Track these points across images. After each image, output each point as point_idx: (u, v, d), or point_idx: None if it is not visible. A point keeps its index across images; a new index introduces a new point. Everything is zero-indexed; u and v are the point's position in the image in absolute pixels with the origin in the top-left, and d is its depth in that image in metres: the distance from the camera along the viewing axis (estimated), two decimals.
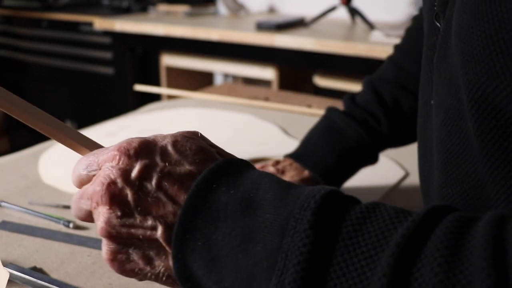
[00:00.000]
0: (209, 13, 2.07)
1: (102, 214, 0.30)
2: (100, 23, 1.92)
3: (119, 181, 0.30)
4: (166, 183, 0.30)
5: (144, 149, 0.31)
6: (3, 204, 0.58)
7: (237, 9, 2.03)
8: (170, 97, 1.26)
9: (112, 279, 0.45)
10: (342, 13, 1.81)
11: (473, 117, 0.28)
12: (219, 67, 1.82)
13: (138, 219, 0.30)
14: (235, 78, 2.21)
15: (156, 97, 1.67)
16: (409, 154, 0.76)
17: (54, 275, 0.46)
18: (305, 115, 0.95)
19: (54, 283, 0.44)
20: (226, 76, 2.25)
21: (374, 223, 0.25)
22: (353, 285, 0.23)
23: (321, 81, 1.55)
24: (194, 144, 0.32)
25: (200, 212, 0.28)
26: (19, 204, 0.58)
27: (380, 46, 1.36)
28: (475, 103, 0.28)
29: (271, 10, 2.17)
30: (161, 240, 0.29)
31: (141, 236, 0.30)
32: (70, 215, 0.57)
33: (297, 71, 1.79)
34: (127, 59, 1.99)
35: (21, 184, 0.64)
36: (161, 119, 0.91)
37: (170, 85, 1.90)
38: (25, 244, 0.51)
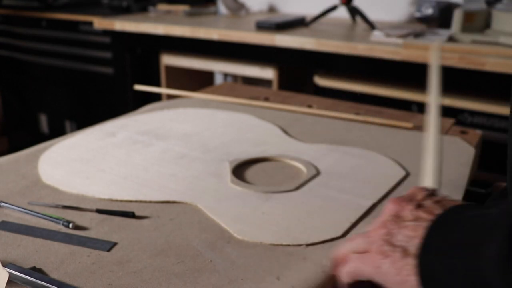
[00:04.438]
0: (209, 13, 2.07)
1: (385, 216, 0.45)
2: (100, 23, 1.92)
3: (403, 202, 0.45)
4: (435, 205, 0.43)
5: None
6: (2, 204, 0.58)
7: (237, 9, 2.03)
8: (170, 97, 1.26)
9: (112, 279, 0.45)
10: (342, 13, 1.81)
11: None
12: (219, 67, 1.82)
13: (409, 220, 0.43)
14: (235, 78, 2.21)
15: (156, 97, 1.67)
16: (409, 154, 0.76)
17: (54, 275, 0.46)
18: (305, 115, 0.95)
19: (53, 283, 0.44)
20: (226, 76, 2.25)
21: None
22: None
23: (321, 81, 1.55)
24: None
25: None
26: (19, 204, 0.58)
27: (380, 46, 1.36)
28: None
29: (271, 9, 2.17)
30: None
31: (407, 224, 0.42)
32: (70, 215, 0.56)
33: (297, 71, 1.79)
34: (127, 59, 1.98)
35: (21, 184, 0.64)
36: (161, 119, 0.91)
37: (170, 85, 1.90)
38: (24, 244, 0.51)
